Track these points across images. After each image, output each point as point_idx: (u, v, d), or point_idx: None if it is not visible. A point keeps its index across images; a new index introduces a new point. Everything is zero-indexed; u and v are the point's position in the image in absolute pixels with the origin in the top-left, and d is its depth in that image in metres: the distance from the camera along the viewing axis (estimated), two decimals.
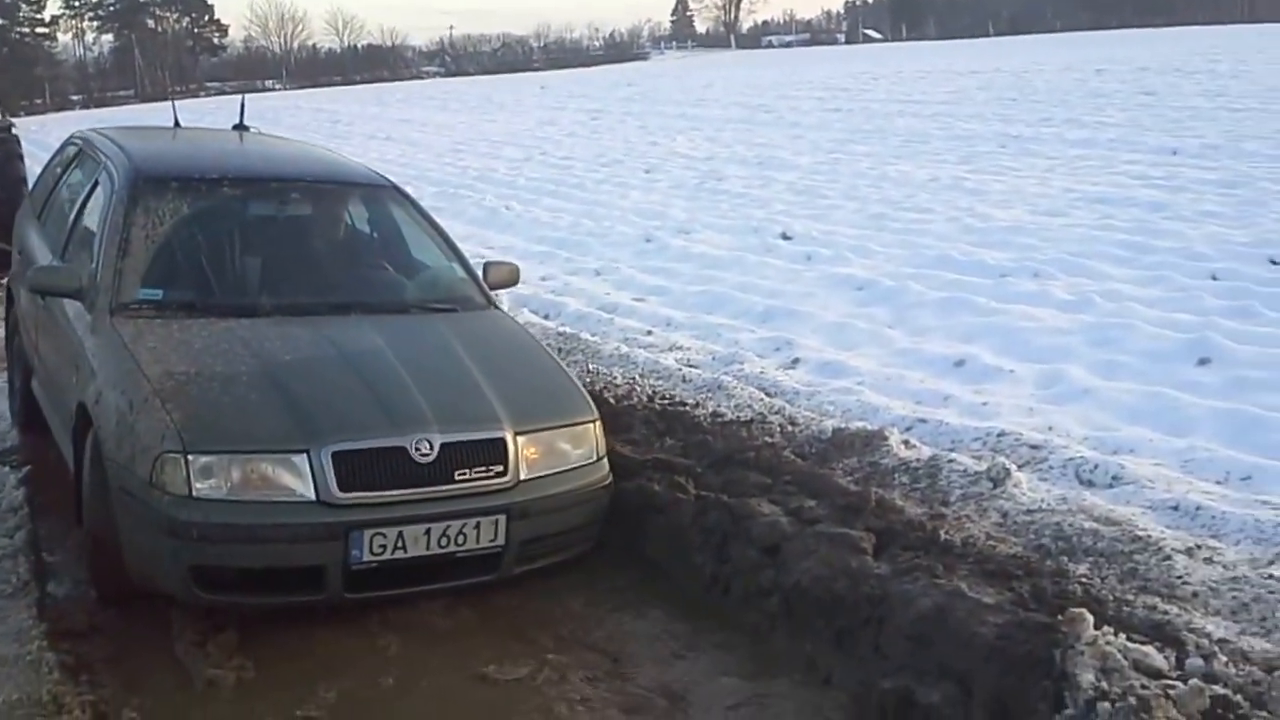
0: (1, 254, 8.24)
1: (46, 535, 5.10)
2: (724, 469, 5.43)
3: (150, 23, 77.87)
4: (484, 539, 4.30)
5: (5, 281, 7.76)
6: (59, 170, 6.82)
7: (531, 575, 4.70)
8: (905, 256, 10.10)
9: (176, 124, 7.04)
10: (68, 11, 77.21)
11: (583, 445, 4.78)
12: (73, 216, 5.89)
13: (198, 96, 51.18)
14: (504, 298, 9.17)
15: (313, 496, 4.05)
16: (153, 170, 5.55)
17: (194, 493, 3.99)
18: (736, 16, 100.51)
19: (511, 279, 6.03)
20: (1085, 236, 10.39)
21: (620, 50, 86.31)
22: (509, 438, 4.43)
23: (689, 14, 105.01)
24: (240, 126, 6.81)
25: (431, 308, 5.46)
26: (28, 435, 6.33)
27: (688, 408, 6.47)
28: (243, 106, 6.90)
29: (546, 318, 8.95)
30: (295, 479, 4.07)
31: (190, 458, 4.00)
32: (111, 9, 77.49)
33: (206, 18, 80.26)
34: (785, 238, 11.30)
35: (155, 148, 6.35)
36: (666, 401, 6.61)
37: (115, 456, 4.22)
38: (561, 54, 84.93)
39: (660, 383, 6.96)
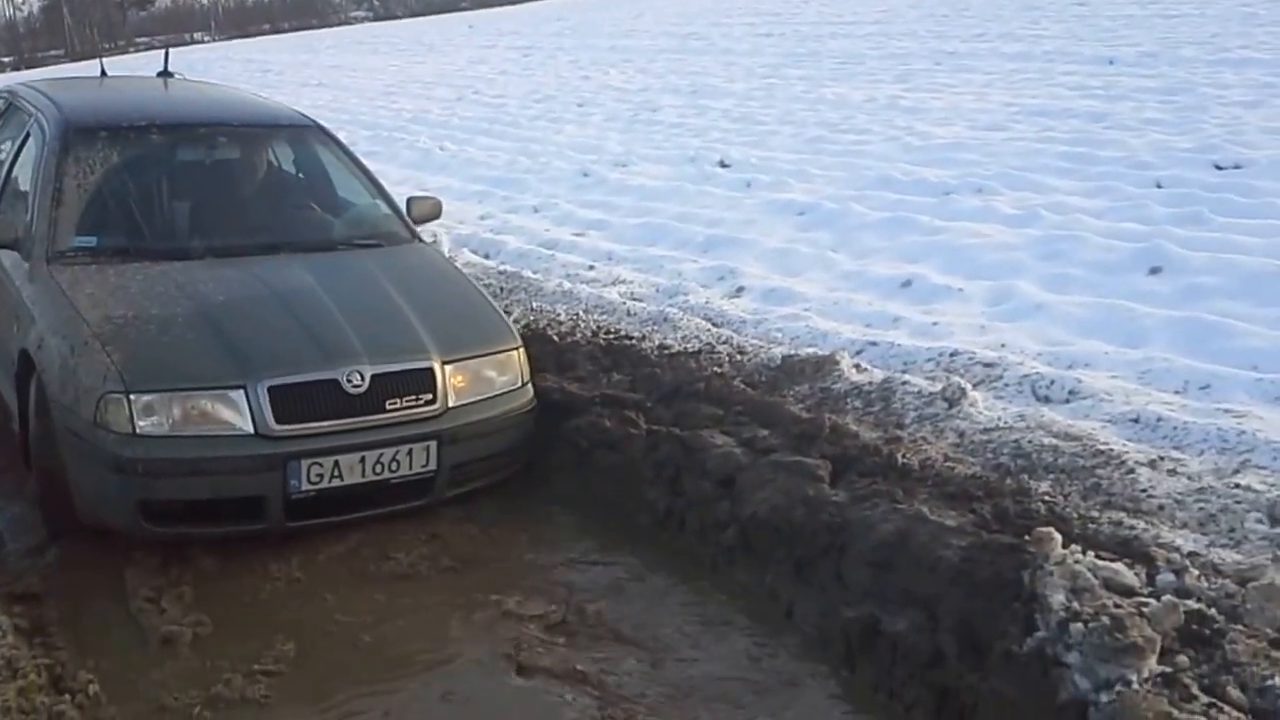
0: None
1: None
2: (674, 402, 5.30)
3: None
4: (416, 465, 4.48)
5: None
6: None
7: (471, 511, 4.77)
8: (846, 179, 9.91)
9: (103, 74, 7.13)
10: None
11: (507, 372, 4.93)
12: (4, 169, 5.94)
13: (127, 53, 49.84)
14: (444, 238, 9.06)
15: (251, 430, 4.23)
16: (82, 120, 5.61)
17: (137, 430, 4.15)
18: None
19: (434, 212, 6.09)
20: (1027, 150, 10.25)
21: None
22: (437, 367, 4.60)
23: None
24: (165, 73, 6.90)
25: (358, 244, 5.58)
26: None
27: (633, 341, 6.32)
28: (167, 54, 7.11)
29: (487, 257, 8.76)
30: (234, 414, 4.24)
31: (132, 397, 4.16)
32: None
33: None
34: (723, 165, 11.09)
35: (83, 98, 6.40)
36: (612, 336, 6.45)
37: (60, 399, 4.36)
38: None
39: (604, 317, 6.80)
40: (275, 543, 4.47)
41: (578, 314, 6.91)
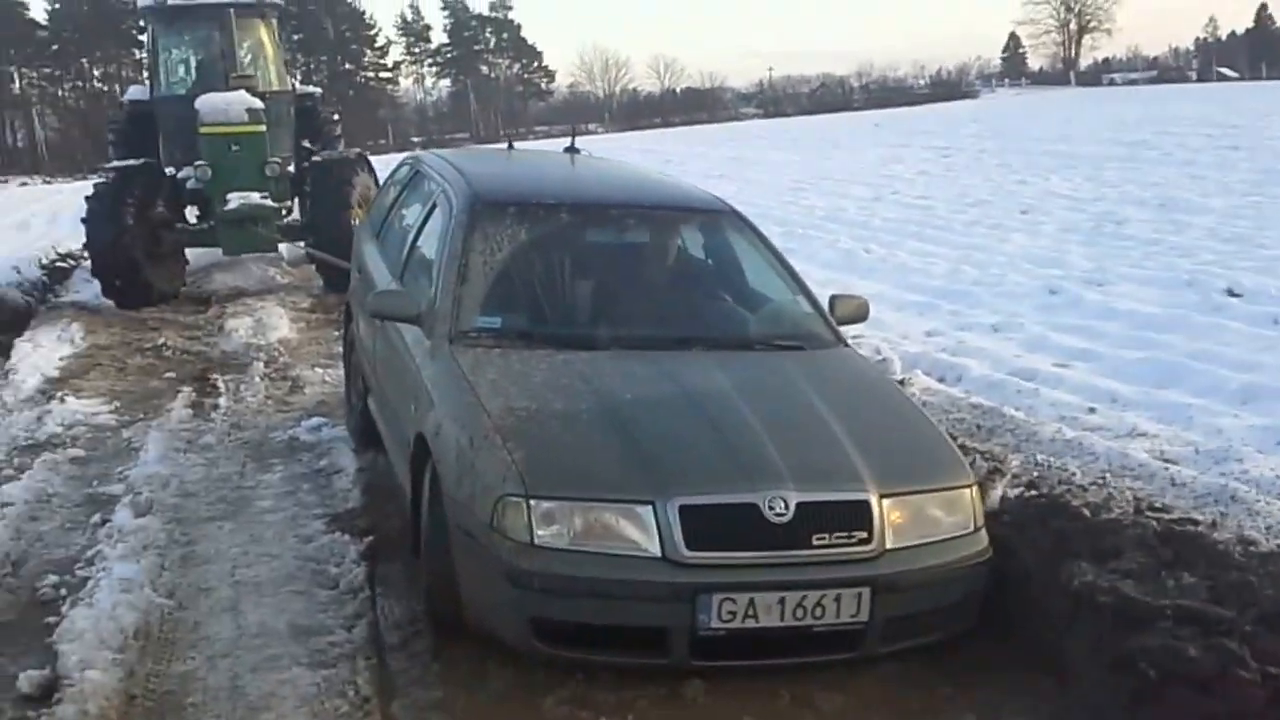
0: (344, 272, 8.49)
1: (391, 620, 4.56)
2: None
3: (484, 69, 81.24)
4: (844, 613, 3.92)
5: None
6: (396, 190, 6.87)
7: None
8: None
9: (510, 145, 7.30)
10: (409, 58, 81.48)
11: (957, 512, 4.25)
12: (410, 239, 5.92)
13: (526, 140, 52.62)
14: (890, 354, 7.83)
15: (658, 552, 3.84)
16: (491, 194, 5.47)
17: (535, 540, 3.84)
18: (1077, 53, 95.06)
19: (860, 314, 5.50)
20: None
21: (948, 88, 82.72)
22: (873, 499, 4.03)
23: (1021, 51, 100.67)
24: (572, 150, 6.68)
25: (777, 344, 5.12)
26: (365, 468, 6.23)
27: (1199, 528, 4.70)
28: (574, 131, 7.04)
29: (943, 380, 7.55)
30: (640, 532, 3.86)
31: (532, 502, 3.86)
32: (449, 56, 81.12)
33: (535, 64, 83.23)
34: (1233, 294, 9.35)
35: (492, 170, 6.33)
36: (1164, 516, 4.86)
37: (455, 494, 4.10)
38: (884, 93, 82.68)
39: (1141, 485, 5.28)
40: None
41: (1102, 477, 5.39)
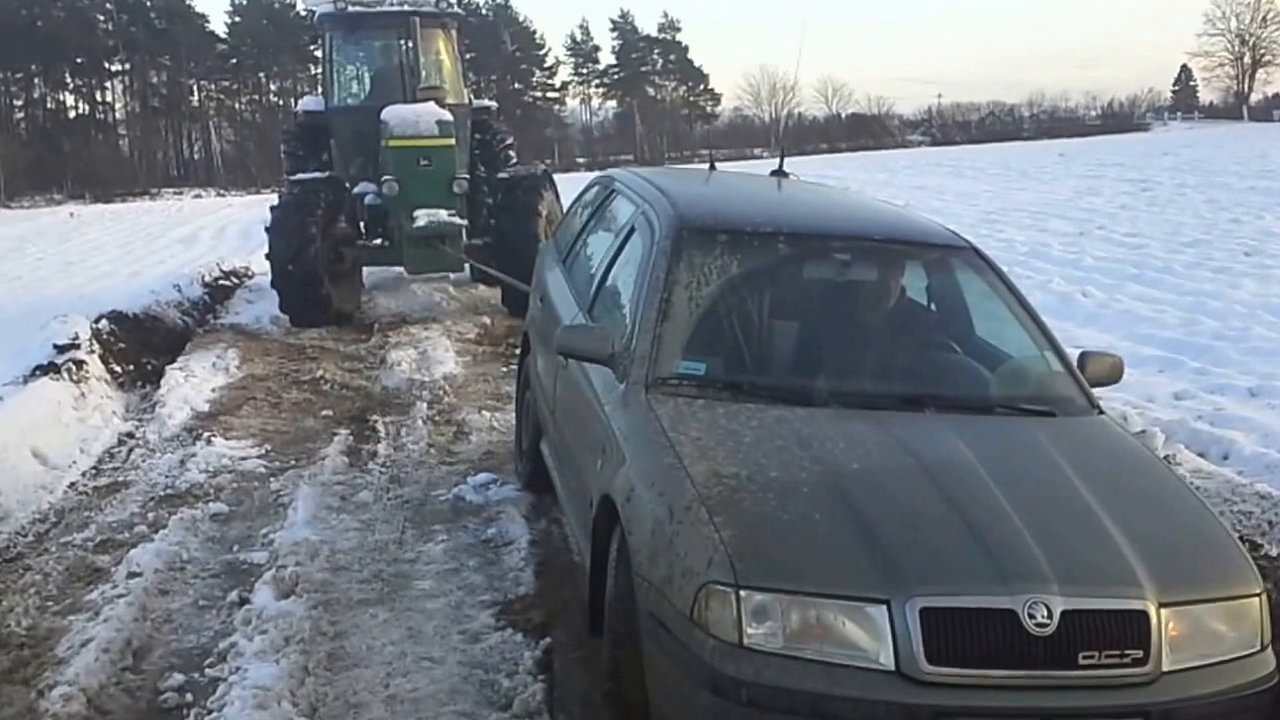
0: (518, 294, 8.06)
1: None
2: None
3: (650, 90, 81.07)
4: None
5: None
6: (587, 211, 6.26)
7: None
8: None
9: (712, 166, 6.47)
10: (576, 79, 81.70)
11: (1242, 626, 3.52)
12: (602, 267, 5.31)
13: (691, 162, 52.14)
14: (1153, 428, 6.72)
15: (891, 664, 3.18)
16: (699, 219, 4.79)
17: (745, 640, 3.20)
18: (1250, 87, 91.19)
19: (1114, 375, 4.67)
20: None
21: (1119, 120, 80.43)
22: (1151, 609, 3.33)
23: (1192, 84, 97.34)
24: (780, 172, 6.01)
25: (1022, 408, 4.32)
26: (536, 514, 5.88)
27: None
28: (783, 152, 6.42)
29: (1203, 455, 6.51)
30: (869, 638, 3.21)
31: (743, 594, 3.21)
32: (616, 77, 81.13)
33: (702, 87, 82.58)
34: None
35: (698, 192, 5.62)
36: None
37: (647, 574, 3.48)
38: (1054, 123, 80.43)
39: None
40: None
41: None
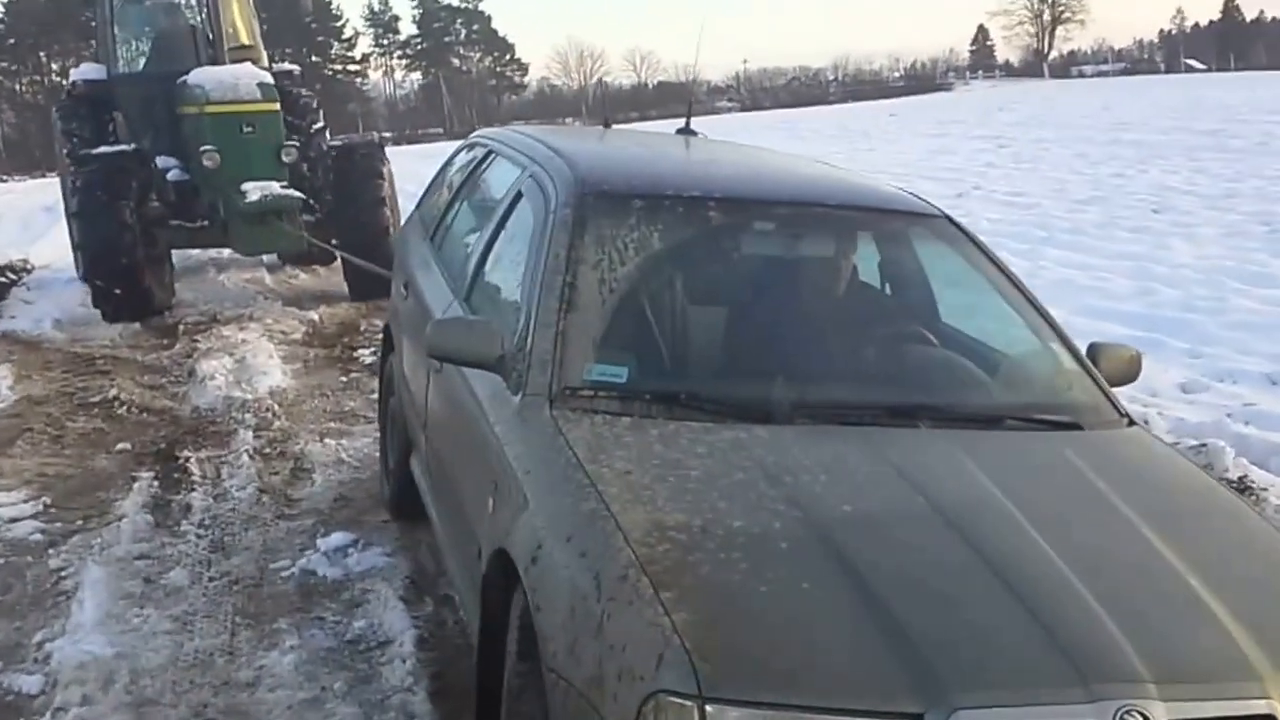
0: (376, 279, 7.43)
1: None
2: None
3: (455, 61, 79.20)
4: None
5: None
6: (459, 178, 5.21)
7: None
8: None
9: (607, 124, 5.53)
10: (377, 49, 79.28)
11: None
12: (481, 243, 4.28)
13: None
14: (1222, 443, 5.48)
15: None
16: (606, 182, 3.80)
17: None
18: (1050, 45, 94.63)
19: (1133, 371, 3.71)
20: None
21: (921, 81, 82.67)
22: (1277, 707, 2.32)
23: (989, 43, 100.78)
24: (687, 130, 5.01)
25: (1037, 419, 3.29)
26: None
27: None
28: (690, 109, 5.22)
29: (1260, 466, 5.41)
30: None
31: (710, 710, 2.18)
32: (419, 48, 78.99)
33: (508, 57, 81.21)
34: None
35: (599, 151, 4.72)
36: None
37: (565, 671, 2.40)
38: (859, 86, 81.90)
39: None
40: None
41: None
